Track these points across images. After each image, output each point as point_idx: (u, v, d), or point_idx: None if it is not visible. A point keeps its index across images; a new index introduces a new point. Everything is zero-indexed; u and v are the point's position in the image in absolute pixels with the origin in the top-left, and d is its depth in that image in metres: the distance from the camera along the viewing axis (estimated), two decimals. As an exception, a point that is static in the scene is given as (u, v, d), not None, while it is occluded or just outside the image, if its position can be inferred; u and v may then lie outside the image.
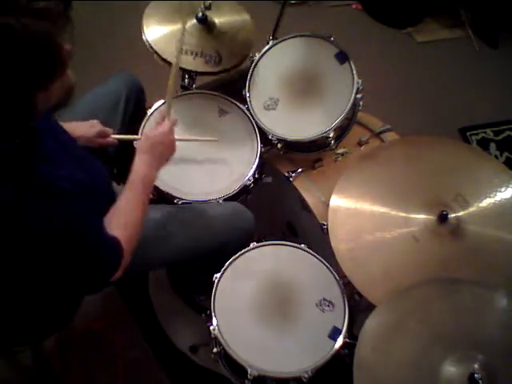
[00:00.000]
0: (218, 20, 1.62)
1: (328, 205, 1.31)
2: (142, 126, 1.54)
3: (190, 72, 1.63)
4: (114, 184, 1.81)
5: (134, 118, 1.56)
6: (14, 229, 0.94)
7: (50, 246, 0.98)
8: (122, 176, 1.74)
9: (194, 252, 1.39)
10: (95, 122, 1.41)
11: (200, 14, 1.57)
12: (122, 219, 1.15)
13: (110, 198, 1.27)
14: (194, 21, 1.59)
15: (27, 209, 0.93)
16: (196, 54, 1.57)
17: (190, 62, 1.57)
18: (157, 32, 1.57)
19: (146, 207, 1.21)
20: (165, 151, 1.28)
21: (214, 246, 1.40)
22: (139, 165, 1.23)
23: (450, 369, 0.97)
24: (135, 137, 1.50)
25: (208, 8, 1.58)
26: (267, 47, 1.59)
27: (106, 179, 1.38)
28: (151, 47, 1.57)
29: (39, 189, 0.94)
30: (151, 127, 1.35)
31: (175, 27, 1.59)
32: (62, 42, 0.88)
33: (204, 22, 1.59)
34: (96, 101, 1.51)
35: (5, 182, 0.91)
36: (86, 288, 1.15)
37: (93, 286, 1.13)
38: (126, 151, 1.53)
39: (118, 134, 1.47)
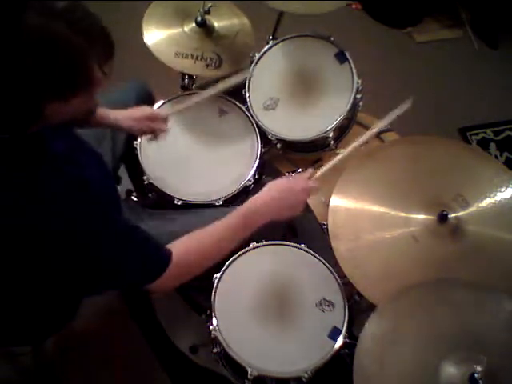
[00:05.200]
0: (217, 24, 1.63)
1: (328, 205, 1.31)
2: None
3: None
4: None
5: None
6: (33, 229, 0.91)
7: (70, 241, 0.93)
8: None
9: None
10: (142, 107, 1.46)
11: (199, 18, 1.58)
12: (192, 241, 1.10)
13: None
14: (194, 24, 1.59)
15: (51, 204, 0.91)
16: (196, 58, 1.57)
17: (191, 66, 1.57)
18: (156, 35, 1.57)
19: (230, 244, 1.13)
20: (287, 208, 1.17)
21: None
22: (254, 200, 1.15)
23: (451, 369, 0.97)
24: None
25: (207, 12, 1.59)
26: (267, 47, 1.59)
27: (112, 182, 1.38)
28: (150, 49, 1.57)
29: (59, 181, 0.92)
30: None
31: (174, 30, 1.59)
32: (95, 64, 0.86)
33: (203, 25, 1.59)
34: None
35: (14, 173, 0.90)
36: (107, 288, 1.10)
37: (117, 288, 1.10)
38: (131, 154, 1.53)
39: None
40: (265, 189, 1.16)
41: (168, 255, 1.06)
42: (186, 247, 1.09)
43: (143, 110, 1.45)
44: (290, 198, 1.17)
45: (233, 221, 1.13)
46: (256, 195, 1.15)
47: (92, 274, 0.99)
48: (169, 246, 1.07)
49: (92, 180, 0.98)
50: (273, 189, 1.16)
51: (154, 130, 1.48)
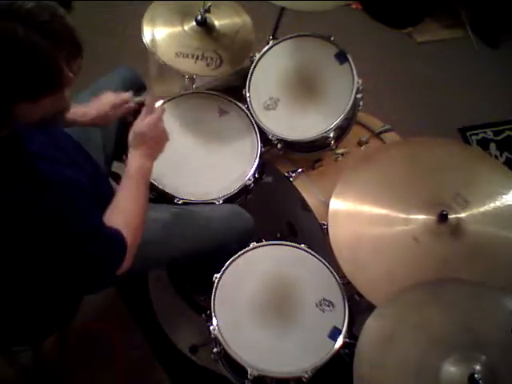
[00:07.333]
0: (217, 22, 1.62)
1: (328, 205, 1.31)
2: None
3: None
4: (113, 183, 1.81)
5: (134, 112, 1.55)
6: (14, 226, 0.93)
7: (51, 240, 0.98)
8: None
9: (192, 252, 1.39)
10: (104, 95, 1.38)
11: (199, 17, 1.57)
12: (122, 215, 1.14)
13: (109, 197, 1.27)
14: (194, 23, 1.59)
15: (26, 205, 0.93)
16: (197, 58, 1.56)
17: (192, 66, 1.56)
18: (156, 34, 1.57)
19: (145, 199, 1.20)
20: (156, 143, 1.25)
21: (213, 246, 1.40)
22: (132, 159, 1.21)
23: (451, 369, 0.97)
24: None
25: (207, 11, 1.58)
26: (267, 47, 1.59)
27: (103, 178, 1.37)
28: (151, 49, 1.56)
29: (34, 182, 0.95)
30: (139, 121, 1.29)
31: (175, 29, 1.59)
32: (63, 64, 0.88)
33: (203, 24, 1.58)
34: (93, 95, 1.50)
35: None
36: (92, 283, 1.13)
37: (98, 281, 1.12)
38: (125, 146, 1.52)
39: (135, 96, 1.41)
40: (132, 150, 1.23)
41: (121, 234, 1.09)
42: (123, 223, 1.12)
43: (107, 98, 1.38)
44: (153, 137, 1.24)
45: (134, 183, 1.19)
46: (130, 156, 1.22)
47: (76, 264, 1.04)
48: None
49: (66, 175, 1.03)
50: (138, 142, 1.23)
51: (124, 114, 1.41)
